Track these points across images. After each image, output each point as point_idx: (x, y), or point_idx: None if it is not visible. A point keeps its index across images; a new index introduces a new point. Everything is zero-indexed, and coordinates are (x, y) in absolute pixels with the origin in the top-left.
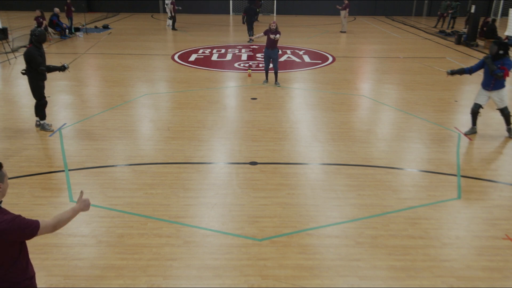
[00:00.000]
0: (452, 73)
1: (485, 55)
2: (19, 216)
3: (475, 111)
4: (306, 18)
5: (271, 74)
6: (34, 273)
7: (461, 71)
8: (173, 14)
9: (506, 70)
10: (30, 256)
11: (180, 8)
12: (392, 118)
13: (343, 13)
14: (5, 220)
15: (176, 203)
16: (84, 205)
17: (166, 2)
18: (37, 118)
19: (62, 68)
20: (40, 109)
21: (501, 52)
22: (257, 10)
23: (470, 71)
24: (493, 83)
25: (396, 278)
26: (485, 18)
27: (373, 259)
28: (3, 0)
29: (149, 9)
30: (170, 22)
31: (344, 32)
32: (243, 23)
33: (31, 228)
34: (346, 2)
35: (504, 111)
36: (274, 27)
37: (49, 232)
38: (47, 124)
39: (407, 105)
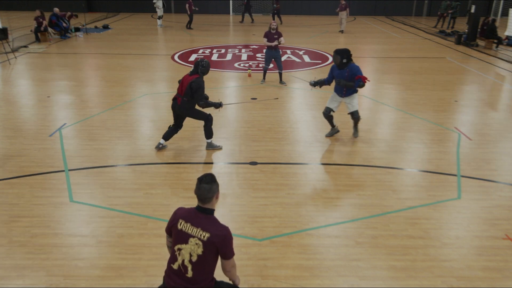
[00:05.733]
0: (315, 84)
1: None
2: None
3: (327, 115)
4: (306, 18)
5: (269, 75)
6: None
7: (322, 83)
8: (189, 13)
9: (363, 78)
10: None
11: (197, 8)
12: (392, 118)
13: (343, 13)
14: (224, 228)
15: (176, 203)
16: (238, 280)
17: (154, 1)
18: (208, 140)
19: (218, 105)
20: (210, 125)
21: (344, 61)
22: (274, 12)
23: (328, 82)
24: (345, 90)
25: (396, 278)
26: (484, 18)
27: (373, 259)
28: (3, 0)
29: (149, 9)
30: (160, 21)
31: (342, 31)
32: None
33: (232, 246)
34: (343, 2)
35: (354, 115)
36: (275, 27)
37: (231, 266)
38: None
39: (407, 105)
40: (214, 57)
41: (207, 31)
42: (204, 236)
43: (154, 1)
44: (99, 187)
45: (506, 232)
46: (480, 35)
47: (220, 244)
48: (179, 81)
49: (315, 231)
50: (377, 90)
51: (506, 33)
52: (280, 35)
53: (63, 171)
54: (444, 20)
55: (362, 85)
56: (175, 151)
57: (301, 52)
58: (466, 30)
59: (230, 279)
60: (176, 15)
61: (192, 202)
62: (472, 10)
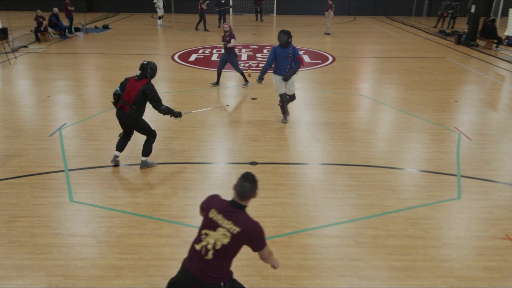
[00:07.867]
0: (261, 78)
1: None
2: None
3: (286, 99)
4: (306, 18)
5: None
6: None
7: (264, 71)
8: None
9: (301, 59)
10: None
11: (206, 7)
12: (392, 118)
13: (327, 14)
14: (255, 225)
15: (176, 203)
16: (277, 264)
17: (154, 1)
18: (144, 158)
19: (177, 114)
20: (152, 142)
21: (289, 40)
22: (258, 9)
23: (269, 64)
24: (289, 68)
25: (396, 278)
26: (485, 19)
27: (373, 259)
28: (3, 0)
29: (149, 9)
30: (160, 21)
31: (328, 34)
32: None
33: (263, 239)
34: (330, 3)
35: (292, 98)
36: (227, 29)
37: (267, 255)
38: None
39: (407, 105)
40: (214, 57)
41: (207, 31)
42: (234, 230)
43: (154, 1)
44: (99, 187)
45: (506, 232)
46: (480, 35)
47: (249, 239)
48: (123, 84)
49: (315, 231)
50: (377, 90)
51: (506, 33)
52: (232, 37)
53: (63, 171)
54: (444, 20)
55: (298, 67)
56: (175, 151)
57: (301, 52)
58: (466, 30)
59: (273, 260)
60: (176, 15)
61: (192, 201)
62: (472, 10)
